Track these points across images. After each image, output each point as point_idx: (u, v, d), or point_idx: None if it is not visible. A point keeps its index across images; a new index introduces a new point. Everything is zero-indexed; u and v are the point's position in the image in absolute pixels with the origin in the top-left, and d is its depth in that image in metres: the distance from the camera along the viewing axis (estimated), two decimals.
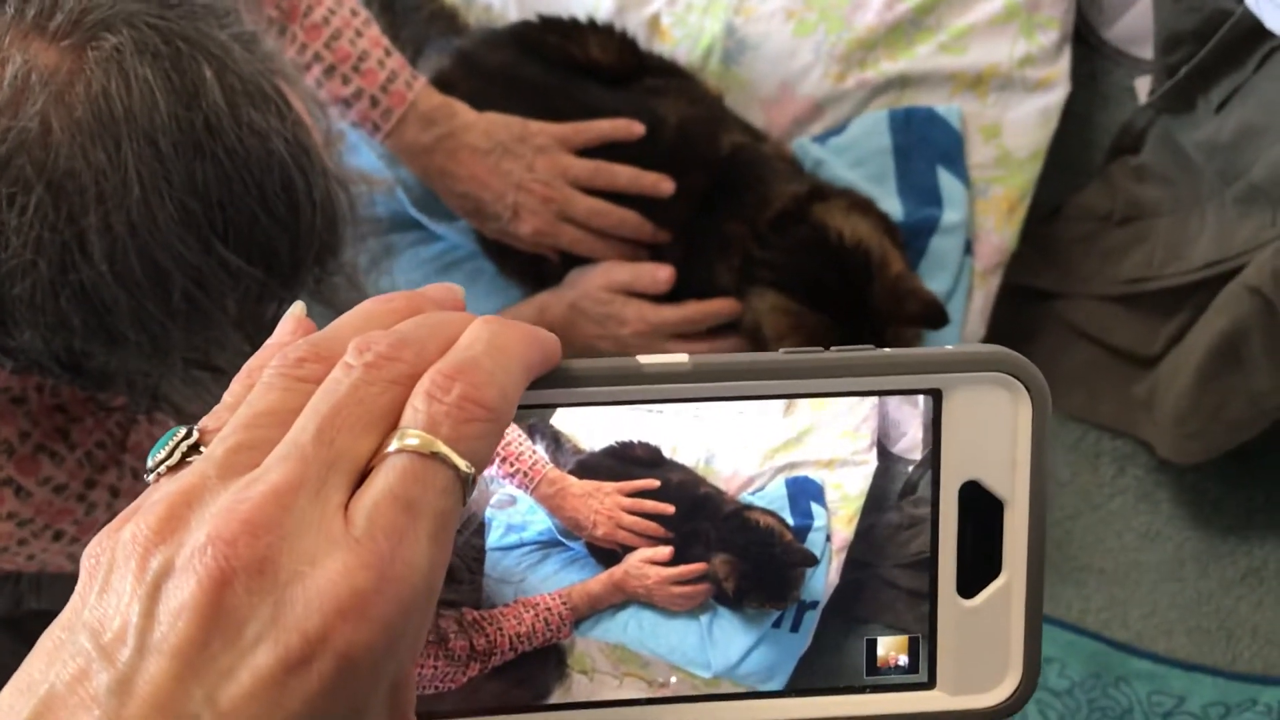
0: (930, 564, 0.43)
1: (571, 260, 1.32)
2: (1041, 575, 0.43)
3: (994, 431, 0.42)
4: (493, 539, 0.42)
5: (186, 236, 0.76)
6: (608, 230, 1.29)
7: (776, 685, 0.44)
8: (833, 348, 0.41)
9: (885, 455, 0.43)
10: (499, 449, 0.41)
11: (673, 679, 0.44)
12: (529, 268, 1.36)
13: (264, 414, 0.35)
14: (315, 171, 0.83)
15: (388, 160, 1.34)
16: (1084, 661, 1.52)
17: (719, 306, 1.27)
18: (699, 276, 1.28)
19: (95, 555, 0.34)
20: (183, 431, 0.37)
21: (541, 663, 0.43)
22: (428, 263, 1.41)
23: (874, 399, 0.42)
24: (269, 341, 0.40)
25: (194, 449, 0.36)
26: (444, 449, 0.34)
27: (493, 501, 0.42)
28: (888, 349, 0.41)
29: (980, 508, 0.42)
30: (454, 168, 1.26)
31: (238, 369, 0.39)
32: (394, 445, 0.34)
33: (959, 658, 0.43)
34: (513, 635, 0.42)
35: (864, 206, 1.28)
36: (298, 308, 0.42)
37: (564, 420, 0.41)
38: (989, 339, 1.42)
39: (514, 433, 0.41)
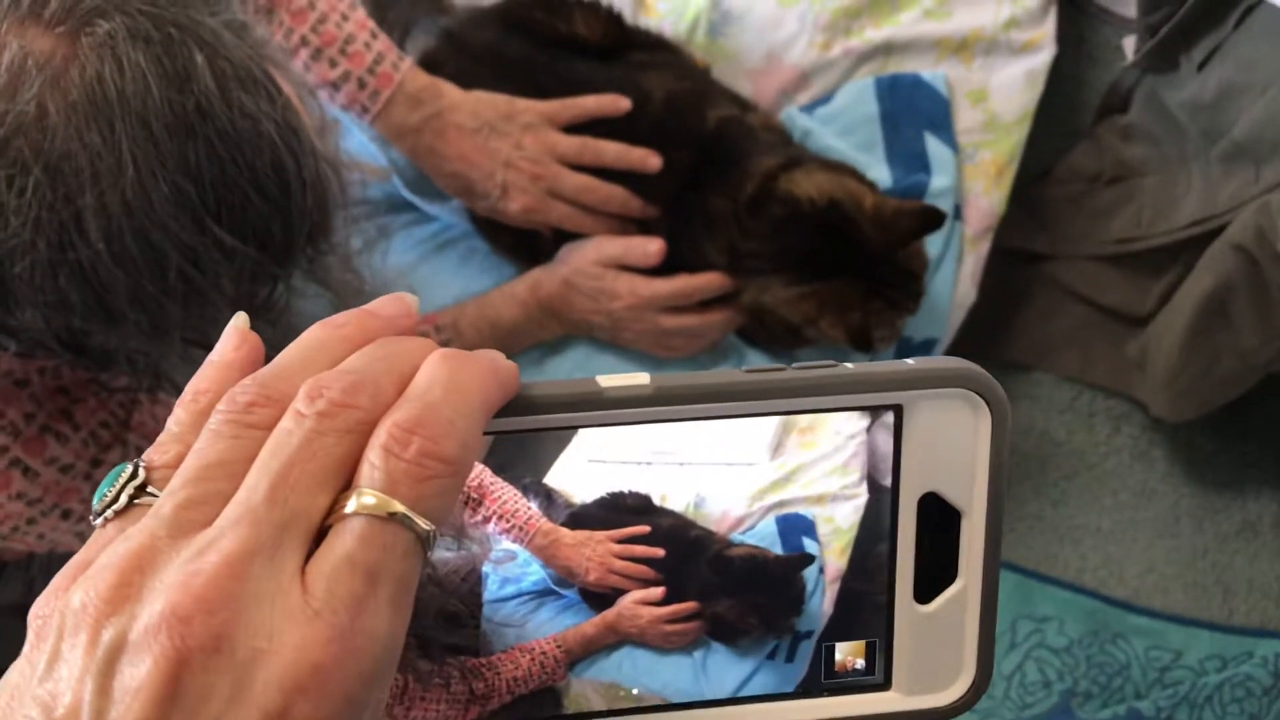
0: (889, 571, 0.44)
1: (563, 236, 1.32)
2: (996, 581, 0.43)
3: (954, 445, 0.42)
4: (490, 591, 0.43)
5: (181, 216, 0.77)
6: (596, 206, 1.29)
7: None
8: (794, 365, 0.41)
9: (876, 488, 0.43)
10: (494, 508, 0.41)
11: None
12: (521, 245, 1.36)
13: (213, 465, 0.34)
14: (305, 153, 0.85)
15: (380, 143, 1.34)
16: (1082, 619, 1.54)
17: (709, 280, 1.27)
18: (688, 250, 1.28)
19: (43, 616, 0.33)
20: (129, 470, 0.35)
21: (539, 704, 0.43)
22: (422, 243, 1.41)
23: (862, 435, 0.42)
24: (210, 358, 0.38)
25: (142, 489, 0.35)
26: (403, 510, 0.33)
27: (491, 556, 0.42)
28: (849, 365, 0.41)
29: (938, 517, 0.43)
30: (442, 147, 1.26)
31: None
32: (351, 506, 0.33)
33: (914, 660, 0.44)
34: (510, 679, 0.43)
35: (821, 162, 1.28)
36: (239, 319, 0.40)
37: (555, 477, 0.42)
38: (980, 303, 1.42)
39: (508, 491, 0.41)
